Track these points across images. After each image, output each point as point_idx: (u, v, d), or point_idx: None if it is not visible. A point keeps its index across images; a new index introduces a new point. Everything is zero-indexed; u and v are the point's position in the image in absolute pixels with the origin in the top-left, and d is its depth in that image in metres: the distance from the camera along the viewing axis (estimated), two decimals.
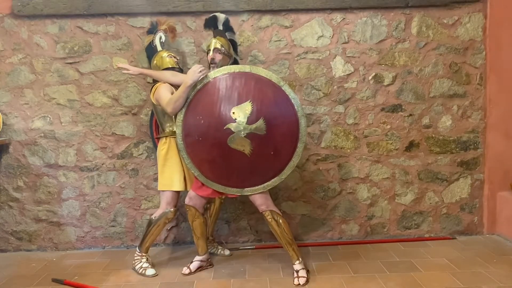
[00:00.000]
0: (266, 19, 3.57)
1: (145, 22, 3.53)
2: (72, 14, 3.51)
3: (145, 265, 3.13)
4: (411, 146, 3.67)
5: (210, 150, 2.87)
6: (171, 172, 3.11)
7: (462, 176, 3.71)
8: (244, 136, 2.81)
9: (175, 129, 3.09)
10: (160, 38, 3.30)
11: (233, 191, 2.96)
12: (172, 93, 3.00)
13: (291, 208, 3.69)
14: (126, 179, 3.65)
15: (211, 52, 3.00)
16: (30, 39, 3.56)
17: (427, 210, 3.72)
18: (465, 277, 2.90)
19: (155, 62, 3.23)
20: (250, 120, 2.80)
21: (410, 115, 3.65)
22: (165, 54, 3.21)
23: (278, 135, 2.85)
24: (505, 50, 3.60)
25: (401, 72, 3.63)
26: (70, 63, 3.58)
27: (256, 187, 2.93)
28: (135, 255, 3.19)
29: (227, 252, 3.44)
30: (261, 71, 2.89)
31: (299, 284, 2.88)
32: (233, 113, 2.81)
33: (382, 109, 3.64)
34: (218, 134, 2.83)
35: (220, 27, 3.11)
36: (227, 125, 2.81)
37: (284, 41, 3.60)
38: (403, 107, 3.65)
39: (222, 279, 3.01)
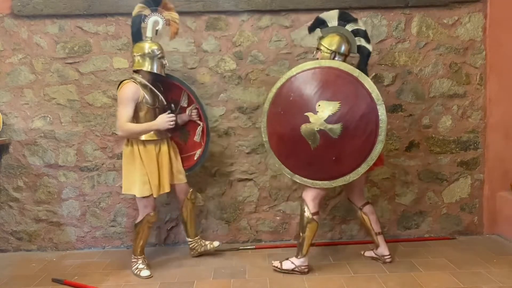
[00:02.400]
0: (266, 19, 3.57)
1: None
2: (72, 14, 3.51)
3: (141, 266, 3.11)
4: (411, 146, 3.67)
5: (284, 126, 2.91)
6: (133, 176, 3.02)
7: (462, 176, 3.71)
8: (317, 131, 2.80)
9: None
10: (156, 22, 3.05)
11: (286, 171, 3.02)
12: (137, 100, 2.94)
13: (291, 208, 3.69)
14: None
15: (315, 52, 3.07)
16: (30, 39, 3.56)
17: (427, 210, 3.72)
18: (465, 277, 2.90)
19: (134, 52, 3.00)
20: (330, 120, 2.78)
21: (410, 115, 3.65)
22: (151, 49, 2.97)
23: (348, 146, 2.80)
24: (505, 50, 3.60)
25: (401, 72, 3.63)
26: (70, 63, 3.58)
27: (305, 179, 2.96)
28: (132, 258, 3.18)
29: (216, 243, 3.31)
30: (367, 81, 2.82)
31: (273, 265, 3.08)
32: (319, 105, 2.81)
33: None
34: (296, 116, 2.85)
35: (334, 23, 3.03)
36: (308, 113, 2.82)
37: (284, 41, 3.60)
38: (403, 107, 3.65)
39: (222, 279, 3.01)
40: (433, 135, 3.68)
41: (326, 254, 3.38)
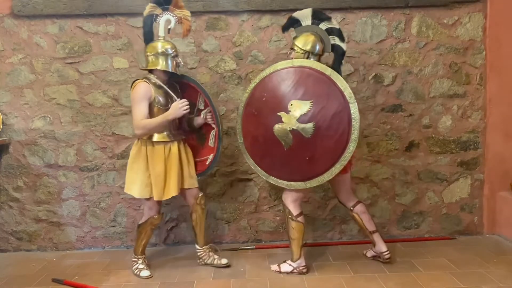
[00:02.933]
0: (266, 19, 3.57)
1: None
2: (72, 14, 3.51)
3: (141, 266, 3.11)
4: (411, 146, 3.67)
5: (258, 127, 2.93)
6: (134, 176, 3.00)
7: (462, 176, 3.71)
8: (289, 130, 2.80)
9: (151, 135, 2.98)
10: (168, 21, 3.01)
11: (261, 173, 3.03)
12: (149, 99, 2.91)
13: None
14: None
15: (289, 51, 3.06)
16: (30, 39, 3.56)
17: (427, 210, 3.72)
18: (465, 277, 2.90)
19: (147, 52, 2.97)
20: (302, 119, 2.78)
21: (410, 115, 3.65)
22: (164, 47, 2.95)
23: (321, 146, 2.79)
24: (505, 50, 3.60)
25: (401, 72, 3.63)
26: (70, 63, 3.58)
27: (280, 181, 2.96)
28: (132, 257, 3.18)
29: (224, 261, 3.18)
30: (339, 80, 2.79)
31: (272, 269, 3.09)
32: (291, 105, 2.81)
33: (382, 109, 3.64)
34: (270, 117, 2.86)
35: (308, 22, 3.01)
36: (280, 113, 2.82)
37: (284, 41, 3.59)
38: (403, 107, 3.65)
39: (222, 279, 3.01)
40: (433, 135, 3.68)
41: (326, 254, 3.38)
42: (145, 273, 3.07)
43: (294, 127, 2.79)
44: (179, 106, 2.92)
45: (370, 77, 3.62)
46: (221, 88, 3.62)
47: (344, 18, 3.57)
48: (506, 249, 3.41)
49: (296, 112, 2.79)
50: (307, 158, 2.82)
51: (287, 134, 2.81)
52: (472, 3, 3.59)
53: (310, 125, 2.77)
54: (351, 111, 2.76)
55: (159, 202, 3.08)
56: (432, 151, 3.69)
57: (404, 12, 3.59)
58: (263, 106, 2.90)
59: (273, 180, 2.99)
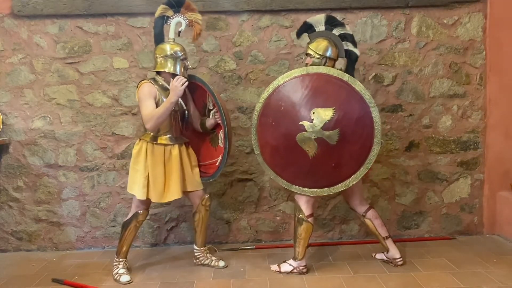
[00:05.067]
0: (266, 19, 3.58)
1: (145, 22, 3.53)
2: (72, 14, 3.51)
3: (121, 271, 3.01)
4: (411, 146, 3.68)
5: (278, 137, 2.87)
6: (135, 176, 2.96)
7: (462, 176, 3.71)
8: (314, 139, 2.79)
9: (153, 134, 2.95)
10: (179, 24, 2.98)
11: (282, 183, 2.96)
12: (155, 98, 2.88)
13: (291, 208, 3.69)
14: (126, 179, 3.62)
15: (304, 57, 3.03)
16: (30, 39, 3.56)
17: (427, 210, 3.72)
18: (465, 277, 2.90)
19: (157, 54, 2.94)
20: (326, 127, 2.77)
21: (410, 115, 3.65)
22: (173, 50, 2.91)
23: (346, 151, 2.81)
24: (505, 50, 3.60)
25: (401, 72, 3.63)
26: (70, 63, 3.58)
27: (304, 189, 2.93)
28: (114, 260, 3.09)
29: (221, 263, 3.18)
30: (357, 85, 2.81)
31: (272, 269, 3.09)
32: (313, 113, 2.79)
33: (382, 109, 3.64)
34: (291, 126, 2.82)
35: (322, 28, 3.00)
36: (302, 122, 2.80)
37: (284, 41, 3.60)
38: (403, 107, 3.65)
39: (222, 279, 3.01)
40: (433, 135, 3.68)
41: (326, 254, 3.38)
42: (125, 278, 2.97)
43: (319, 135, 2.78)
44: (175, 84, 2.82)
45: (370, 77, 3.62)
46: (221, 88, 3.62)
47: (344, 18, 3.56)
48: (506, 249, 3.41)
49: (319, 120, 2.78)
50: (333, 164, 2.83)
51: (311, 142, 2.79)
52: (472, 3, 3.59)
53: (335, 132, 2.77)
54: (373, 115, 2.78)
55: (150, 202, 3.01)
56: (432, 151, 3.69)
57: (404, 12, 3.59)
58: (281, 116, 2.84)
59: (296, 188, 2.94)
